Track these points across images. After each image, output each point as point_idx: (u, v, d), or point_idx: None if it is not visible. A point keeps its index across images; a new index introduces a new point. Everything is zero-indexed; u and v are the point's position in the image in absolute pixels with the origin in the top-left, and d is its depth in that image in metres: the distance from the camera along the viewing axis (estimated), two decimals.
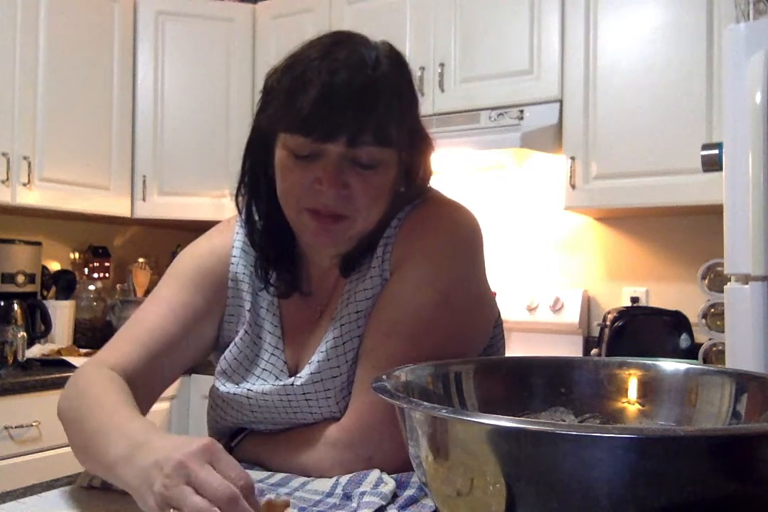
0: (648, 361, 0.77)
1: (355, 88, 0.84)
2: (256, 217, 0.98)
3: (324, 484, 0.83)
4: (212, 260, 1.02)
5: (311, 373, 0.92)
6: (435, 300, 0.91)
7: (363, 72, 0.86)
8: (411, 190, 0.97)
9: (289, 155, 0.88)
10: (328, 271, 0.98)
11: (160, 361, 0.95)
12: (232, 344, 0.99)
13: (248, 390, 0.95)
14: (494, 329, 1.01)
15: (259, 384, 0.96)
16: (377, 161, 0.88)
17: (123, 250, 3.25)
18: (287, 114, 0.87)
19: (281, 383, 0.93)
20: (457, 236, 0.94)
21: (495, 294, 1.14)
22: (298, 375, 0.94)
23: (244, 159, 0.97)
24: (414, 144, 0.95)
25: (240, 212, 1.01)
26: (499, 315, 1.04)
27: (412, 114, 0.94)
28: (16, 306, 2.57)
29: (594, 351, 2.43)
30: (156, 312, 0.97)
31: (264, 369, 0.97)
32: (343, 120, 0.84)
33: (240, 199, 0.99)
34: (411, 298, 0.91)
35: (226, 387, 0.97)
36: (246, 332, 0.99)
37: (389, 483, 0.80)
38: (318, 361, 0.92)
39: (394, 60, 0.91)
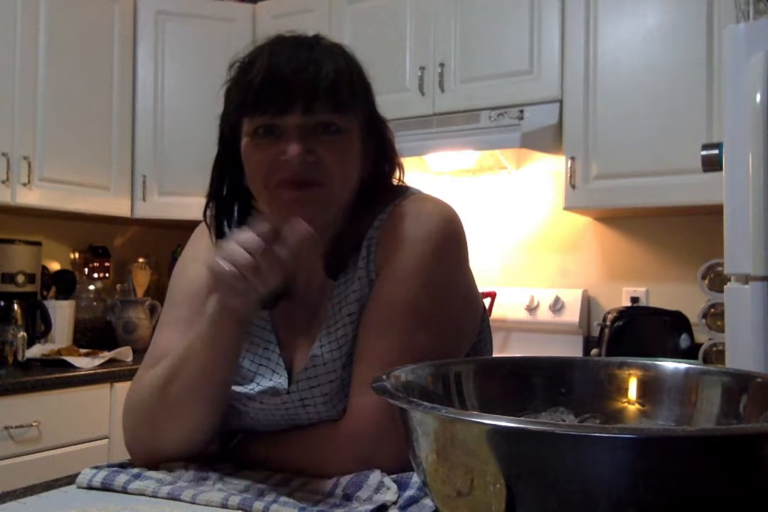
0: (648, 361, 0.77)
1: (301, 61, 0.88)
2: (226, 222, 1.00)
3: (324, 484, 0.83)
4: (199, 266, 1.02)
5: (308, 378, 0.92)
6: (424, 294, 0.91)
7: (305, 47, 0.90)
8: (382, 180, 0.98)
9: (252, 139, 0.90)
10: (313, 272, 0.98)
11: None
12: None
13: (247, 398, 0.94)
14: (481, 323, 1.02)
15: (256, 384, 0.96)
16: (337, 127, 0.89)
17: (123, 250, 3.25)
18: (244, 99, 0.90)
19: (278, 396, 0.93)
20: (439, 230, 0.94)
21: (486, 295, 1.14)
22: (294, 381, 0.94)
23: (212, 172, 1.00)
24: (372, 123, 0.96)
25: (207, 220, 1.01)
26: (485, 310, 1.05)
27: (364, 89, 0.95)
28: (16, 306, 2.56)
29: (594, 351, 2.43)
30: (168, 338, 0.98)
31: (260, 365, 0.97)
32: (294, 90, 0.87)
33: (209, 212, 1.00)
34: (400, 294, 0.91)
35: None
36: None
37: (391, 489, 0.79)
38: (314, 365, 0.92)
39: (335, 43, 0.96)
